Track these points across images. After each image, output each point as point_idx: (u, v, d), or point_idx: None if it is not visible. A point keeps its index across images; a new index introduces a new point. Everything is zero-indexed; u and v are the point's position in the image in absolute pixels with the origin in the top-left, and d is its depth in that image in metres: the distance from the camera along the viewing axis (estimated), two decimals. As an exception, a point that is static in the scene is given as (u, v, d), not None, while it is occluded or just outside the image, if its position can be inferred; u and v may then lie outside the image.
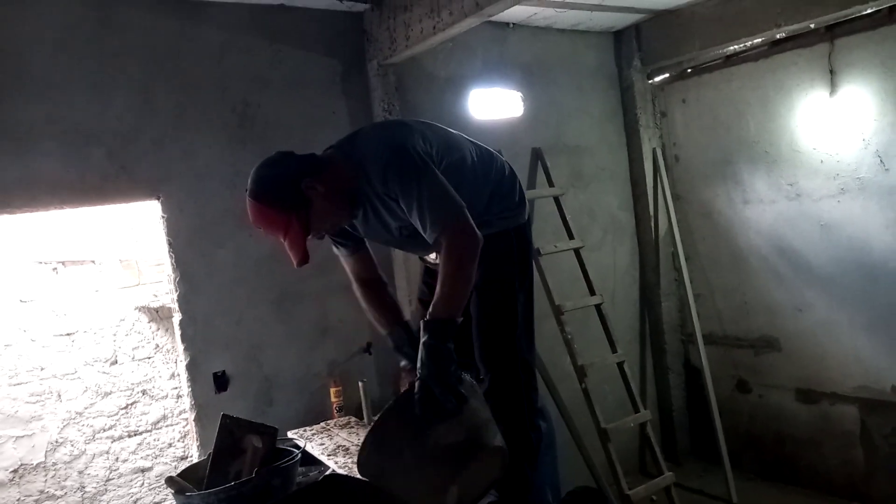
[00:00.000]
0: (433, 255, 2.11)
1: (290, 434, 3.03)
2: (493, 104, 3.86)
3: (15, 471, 2.96)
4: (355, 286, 2.20)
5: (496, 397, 2.00)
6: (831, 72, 3.75)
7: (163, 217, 2.97)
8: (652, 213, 4.62)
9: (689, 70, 4.46)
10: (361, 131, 2.09)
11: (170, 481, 2.16)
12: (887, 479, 3.78)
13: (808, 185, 3.95)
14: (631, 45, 4.52)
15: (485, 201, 2.01)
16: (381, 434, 1.74)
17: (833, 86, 3.75)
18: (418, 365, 1.68)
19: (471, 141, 2.08)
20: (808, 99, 3.87)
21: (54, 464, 3.04)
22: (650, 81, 4.62)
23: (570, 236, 4.07)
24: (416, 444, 1.68)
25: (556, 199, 4.07)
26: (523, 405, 2.02)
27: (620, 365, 3.99)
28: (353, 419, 3.22)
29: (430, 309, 1.72)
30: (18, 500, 2.96)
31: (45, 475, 3.02)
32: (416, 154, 1.81)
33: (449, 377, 1.66)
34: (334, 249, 2.17)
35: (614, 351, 4.00)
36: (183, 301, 2.99)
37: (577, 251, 4.06)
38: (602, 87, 4.57)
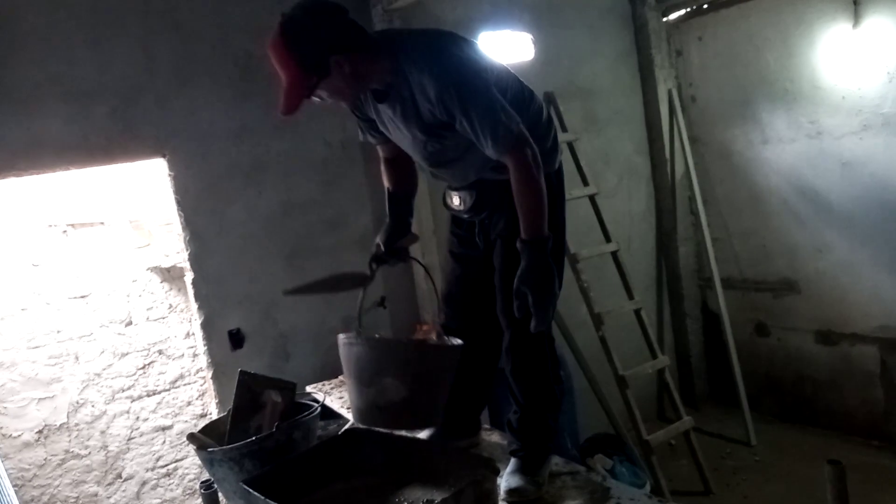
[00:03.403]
0: (457, 201, 2.04)
1: (308, 389, 3.04)
2: (503, 48, 3.73)
3: (40, 431, 3.00)
4: (382, 165, 2.16)
5: (518, 352, 1.97)
6: (854, 2, 3.59)
7: (170, 175, 2.92)
8: (668, 156, 4.52)
9: (706, 6, 4.29)
10: (414, 33, 1.99)
11: (191, 437, 2.17)
12: (908, 417, 3.77)
13: (830, 122, 3.83)
14: (644, -19, 4.36)
15: None
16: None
17: (856, 17, 3.60)
18: (517, 278, 1.72)
19: (514, 75, 1.98)
20: (829, 32, 3.72)
21: (77, 424, 3.07)
22: (665, 19, 4.46)
23: (585, 183, 3.99)
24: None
25: (570, 145, 3.97)
26: (546, 358, 1.98)
27: (637, 312, 3.96)
28: (370, 373, 3.21)
29: (522, 233, 1.73)
30: (45, 459, 3.01)
31: (69, 435, 3.05)
32: (477, 69, 1.76)
33: (550, 285, 1.72)
34: (366, 137, 2.10)
35: (631, 298, 3.96)
36: (194, 260, 2.96)
37: (591, 198, 3.99)
38: (615, 26, 4.42)
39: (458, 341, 1.97)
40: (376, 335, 2.37)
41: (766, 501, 3.55)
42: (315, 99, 1.81)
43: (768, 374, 4.44)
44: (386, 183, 2.16)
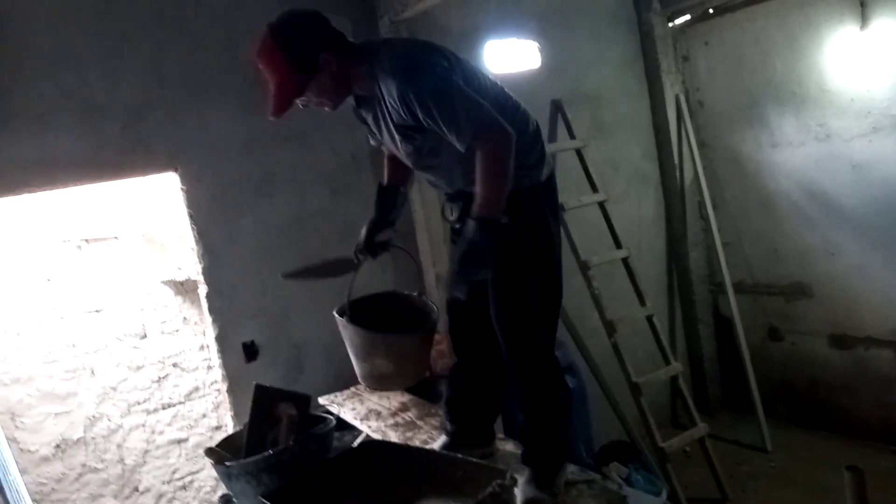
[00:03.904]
0: (449, 212, 2.06)
1: (321, 400, 3.04)
2: (509, 56, 3.74)
3: (57, 446, 3.02)
4: (385, 159, 2.24)
5: (515, 360, 1.97)
6: (862, 4, 3.59)
7: (182, 189, 2.93)
8: (677, 161, 4.51)
9: (712, 10, 4.29)
10: (388, 42, 2.10)
11: (209, 452, 2.18)
12: (925, 421, 3.74)
13: (839, 124, 3.82)
14: (649, -14, 4.37)
15: None
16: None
17: (864, 19, 3.59)
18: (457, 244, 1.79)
19: (500, 87, 1.99)
20: (837, 34, 3.71)
21: (93, 438, 3.09)
22: (671, 24, 4.47)
23: (594, 189, 3.99)
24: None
25: (578, 152, 3.98)
26: (546, 365, 1.97)
27: (650, 318, 3.95)
28: (383, 383, 3.22)
29: (474, 208, 1.73)
30: (63, 473, 3.02)
31: (86, 449, 3.07)
32: (436, 67, 1.78)
33: (476, 265, 1.74)
34: (371, 140, 2.17)
35: (643, 304, 3.95)
36: (208, 273, 2.98)
37: (601, 204, 3.98)
38: (621, 32, 4.43)
39: (434, 311, 2.21)
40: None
41: (783, 508, 3.53)
42: (300, 102, 1.89)
43: (782, 378, 4.41)
44: (382, 177, 2.23)
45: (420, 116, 1.76)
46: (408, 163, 2.04)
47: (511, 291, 1.94)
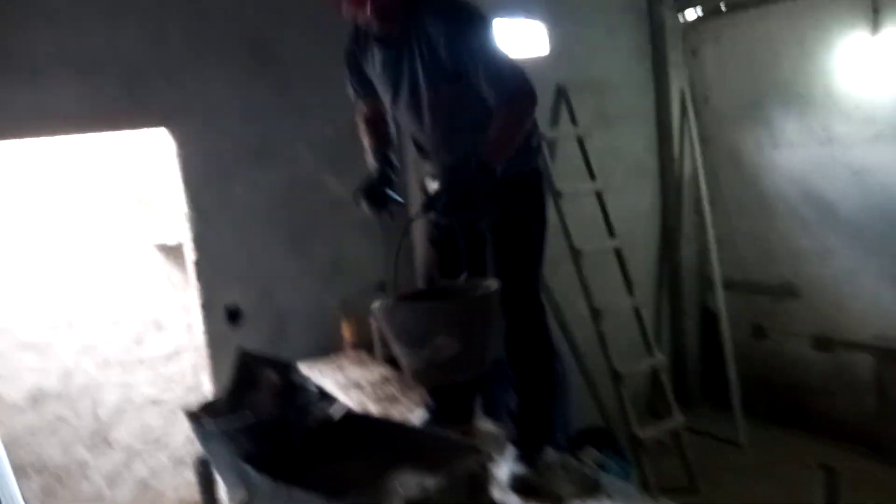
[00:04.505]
0: (434, 187, 2.05)
1: (303, 368, 3.04)
2: (517, 38, 3.70)
3: (32, 396, 3.01)
4: (359, 119, 2.21)
5: (516, 341, 1.98)
6: (874, 10, 3.56)
7: (176, 151, 2.92)
8: (677, 155, 4.50)
9: (724, 7, 4.25)
10: None
11: (188, 415, 2.17)
12: (898, 427, 3.78)
13: (842, 129, 3.81)
14: (663, -22, 4.31)
15: None
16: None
17: (876, 25, 3.57)
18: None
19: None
20: (847, 39, 3.69)
21: (69, 391, 3.08)
22: (682, 19, 4.42)
23: (592, 177, 3.97)
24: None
25: (580, 140, 3.96)
26: (545, 349, 2.00)
27: (637, 309, 3.96)
28: (365, 355, 3.22)
29: (486, 152, 1.74)
30: (36, 424, 3.02)
31: (60, 402, 3.07)
32: (488, 21, 1.82)
33: (463, 203, 1.71)
34: (352, 90, 2.16)
35: (631, 294, 3.96)
36: (196, 235, 2.97)
37: (598, 193, 3.97)
38: (631, 22, 4.38)
39: (494, 285, 1.89)
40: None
41: (752, 502, 3.57)
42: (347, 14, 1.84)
43: (763, 376, 4.45)
44: (367, 140, 2.18)
45: (465, 62, 1.77)
46: (409, 117, 2.00)
47: (520, 273, 1.98)
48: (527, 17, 3.76)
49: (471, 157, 1.73)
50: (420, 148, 2.09)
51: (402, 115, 2.03)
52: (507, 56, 1.80)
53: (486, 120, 1.78)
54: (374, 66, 1.98)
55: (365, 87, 2.10)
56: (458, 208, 1.71)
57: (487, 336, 1.87)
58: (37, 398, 3.02)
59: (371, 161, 2.13)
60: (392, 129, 2.19)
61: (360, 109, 2.19)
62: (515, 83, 1.76)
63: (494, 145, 1.75)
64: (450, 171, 1.81)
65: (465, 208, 1.71)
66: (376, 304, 1.88)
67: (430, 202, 1.76)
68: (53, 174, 3.12)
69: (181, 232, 3.05)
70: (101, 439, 3.16)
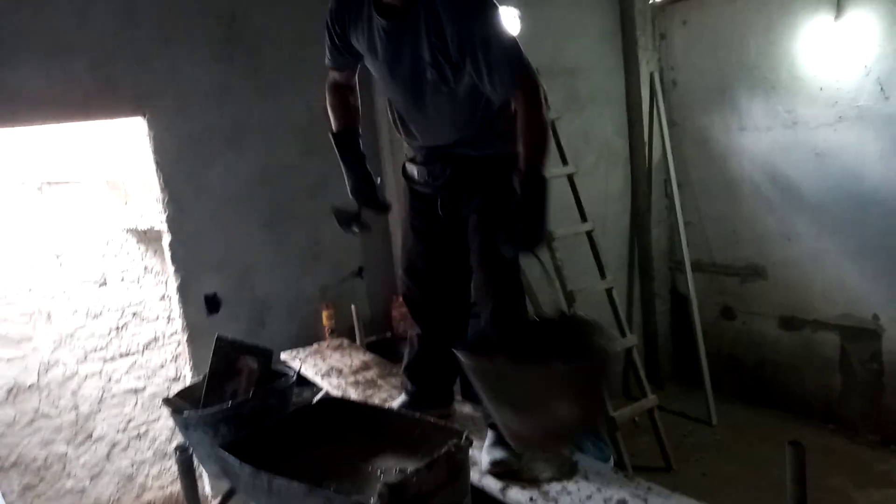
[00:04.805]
0: (416, 173, 2.05)
1: (283, 355, 3.06)
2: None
3: (10, 390, 2.98)
4: (328, 89, 2.13)
5: (500, 325, 1.99)
6: (838, -6, 3.63)
7: (149, 135, 2.88)
8: (647, 139, 4.55)
9: (692, -10, 4.30)
10: None
11: (167, 401, 2.18)
12: (862, 402, 3.91)
13: (806, 112, 3.89)
14: (631, -39, 4.35)
15: (491, 115, 1.94)
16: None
17: (839, 9, 3.63)
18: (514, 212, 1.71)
19: None
20: (811, 23, 3.75)
21: (48, 384, 3.06)
22: (651, 1, 4.46)
23: (564, 161, 4.01)
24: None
25: (552, 123, 3.98)
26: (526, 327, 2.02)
27: (609, 291, 4.02)
28: (345, 341, 3.24)
29: (525, 162, 1.72)
30: (14, 418, 2.99)
31: (39, 395, 3.04)
32: (498, 9, 1.78)
33: (544, 219, 1.72)
34: (331, 60, 2.06)
35: (603, 277, 4.02)
36: (172, 222, 2.94)
37: (570, 177, 4.01)
38: (601, 6, 4.41)
39: (611, 339, 1.78)
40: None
41: (724, 479, 3.66)
42: None
43: (732, 356, 4.56)
44: (333, 121, 2.11)
45: (469, 53, 1.74)
46: (401, 101, 1.96)
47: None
48: (498, 1, 3.77)
49: (513, 177, 1.71)
50: (407, 129, 2.04)
51: (397, 94, 1.97)
52: (515, 46, 1.76)
53: (485, 111, 1.78)
54: (366, 39, 1.88)
55: (344, 57, 2.00)
56: (538, 237, 1.73)
57: (600, 395, 1.65)
58: (14, 392, 2.99)
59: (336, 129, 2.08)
60: (358, 100, 2.14)
61: (333, 78, 2.11)
62: (522, 74, 1.75)
63: (531, 156, 1.73)
64: (520, 204, 1.71)
65: (542, 233, 1.73)
66: (463, 355, 1.61)
67: (506, 238, 1.73)
68: (21, 156, 3.06)
69: (155, 217, 3.02)
70: (81, 432, 3.14)
